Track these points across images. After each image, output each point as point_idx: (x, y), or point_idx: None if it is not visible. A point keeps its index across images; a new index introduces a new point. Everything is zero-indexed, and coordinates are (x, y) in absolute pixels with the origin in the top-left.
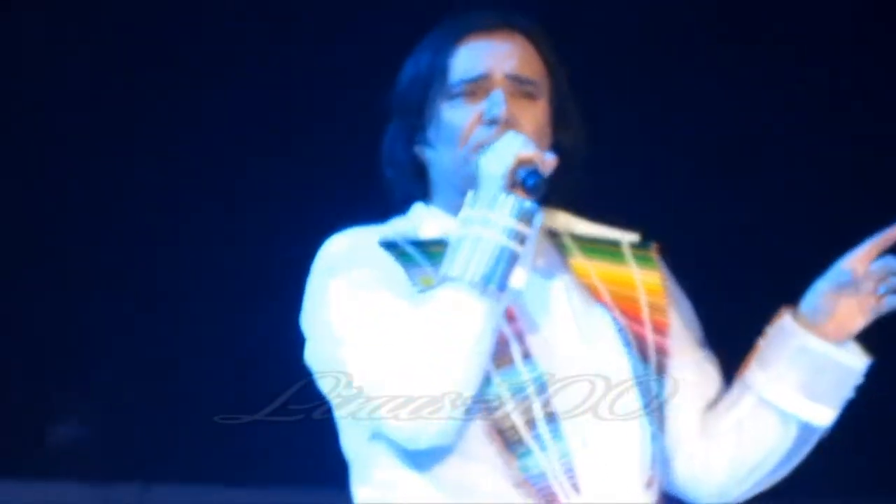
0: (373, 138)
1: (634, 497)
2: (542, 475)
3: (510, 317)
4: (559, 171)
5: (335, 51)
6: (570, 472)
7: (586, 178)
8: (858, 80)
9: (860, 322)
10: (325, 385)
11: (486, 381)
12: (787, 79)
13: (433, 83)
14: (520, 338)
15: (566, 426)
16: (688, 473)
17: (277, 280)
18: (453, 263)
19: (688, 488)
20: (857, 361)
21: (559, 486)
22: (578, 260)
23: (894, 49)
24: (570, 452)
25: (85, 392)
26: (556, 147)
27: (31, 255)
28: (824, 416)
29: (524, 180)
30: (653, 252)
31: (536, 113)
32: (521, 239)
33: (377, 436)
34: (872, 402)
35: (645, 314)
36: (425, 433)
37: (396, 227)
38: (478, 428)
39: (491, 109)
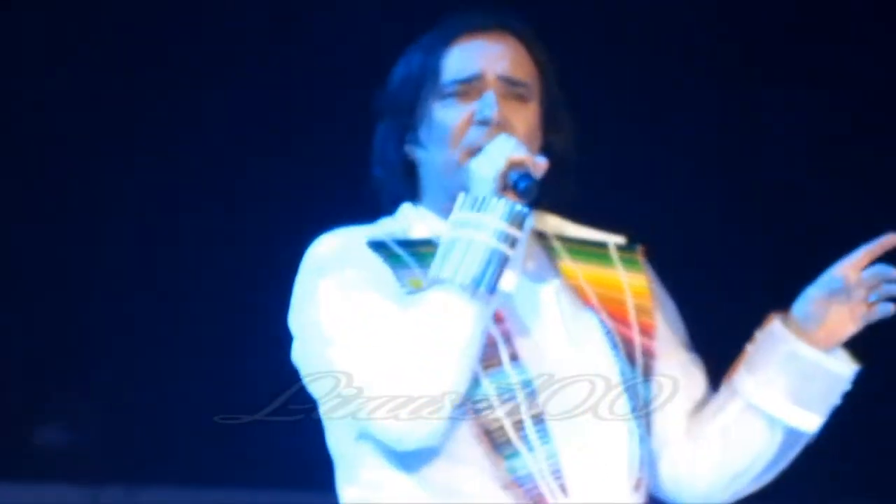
0: (369, 138)
1: (622, 499)
2: (530, 476)
3: (498, 318)
4: (549, 173)
5: (332, 50)
6: (557, 474)
7: (576, 180)
8: (855, 80)
9: (850, 329)
10: (314, 385)
11: (475, 382)
12: (783, 77)
13: (425, 83)
14: (508, 340)
15: (554, 428)
16: (673, 476)
17: (271, 281)
18: (444, 265)
19: (672, 491)
20: (845, 369)
21: (547, 487)
22: (566, 262)
23: (891, 48)
24: (557, 454)
25: (73, 394)
26: (546, 149)
27: (20, 257)
28: (811, 422)
29: (516, 183)
30: (639, 255)
31: (528, 115)
32: (512, 242)
33: (364, 436)
34: (857, 406)
35: (632, 316)
36: (413, 434)
37: (385, 228)
38: (465, 429)
39: (483, 110)
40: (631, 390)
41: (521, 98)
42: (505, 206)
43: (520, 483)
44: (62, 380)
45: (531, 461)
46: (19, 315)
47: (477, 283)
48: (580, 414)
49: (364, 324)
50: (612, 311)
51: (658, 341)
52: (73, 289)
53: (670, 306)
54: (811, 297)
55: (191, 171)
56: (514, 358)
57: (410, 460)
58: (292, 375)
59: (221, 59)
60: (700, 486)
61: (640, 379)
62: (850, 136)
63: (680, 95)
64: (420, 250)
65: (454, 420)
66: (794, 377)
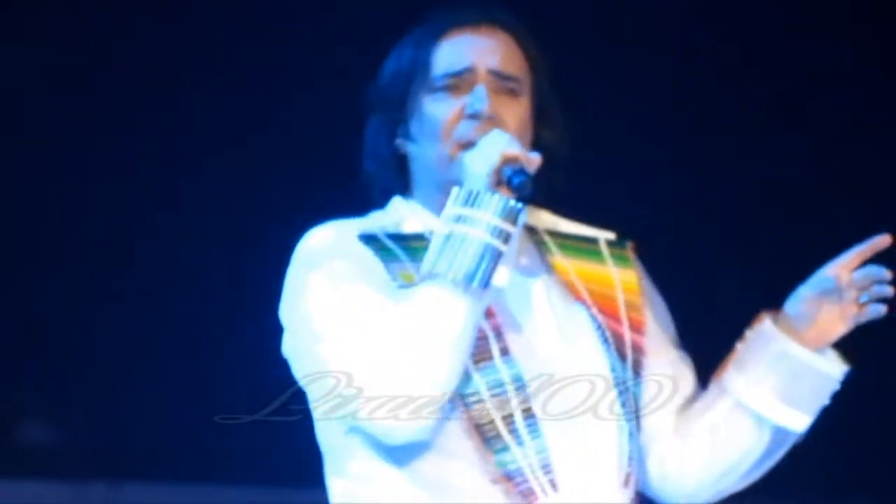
0: (360, 132)
1: (612, 495)
2: (520, 471)
3: (489, 313)
4: (541, 168)
5: (321, 42)
6: (547, 468)
7: (572, 177)
8: (855, 80)
9: (840, 330)
10: (308, 385)
11: (465, 377)
12: (783, 77)
13: (416, 77)
14: (499, 334)
15: (544, 423)
16: (661, 474)
17: (258, 275)
18: (437, 260)
19: (660, 489)
20: (835, 369)
21: (536, 482)
22: (557, 258)
23: (891, 48)
24: (547, 448)
25: (55, 390)
26: (537, 144)
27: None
28: (800, 421)
29: (510, 179)
30: (629, 251)
31: (518, 109)
32: (506, 238)
33: (354, 429)
34: (845, 405)
35: (622, 312)
36: (403, 429)
37: (376, 221)
38: (456, 424)
39: (473, 104)
40: (621, 386)
41: (512, 92)
42: (499, 201)
43: (509, 477)
44: (45, 376)
45: (521, 456)
46: None
47: (470, 278)
48: (582, 413)
49: (355, 318)
50: (603, 307)
51: (648, 338)
52: (54, 284)
53: (660, 303)
54: (802, 297)
55: (178, 165)
56: (504, 353)
57: (400, 454)
58: (278, 371)
59: (208, 52)
60: (688, 484)
61: (630, 375)
62: (850, 136)
63: (680, 95)
64: (411, 244)
65: (445, 415)
66: (784, 376)
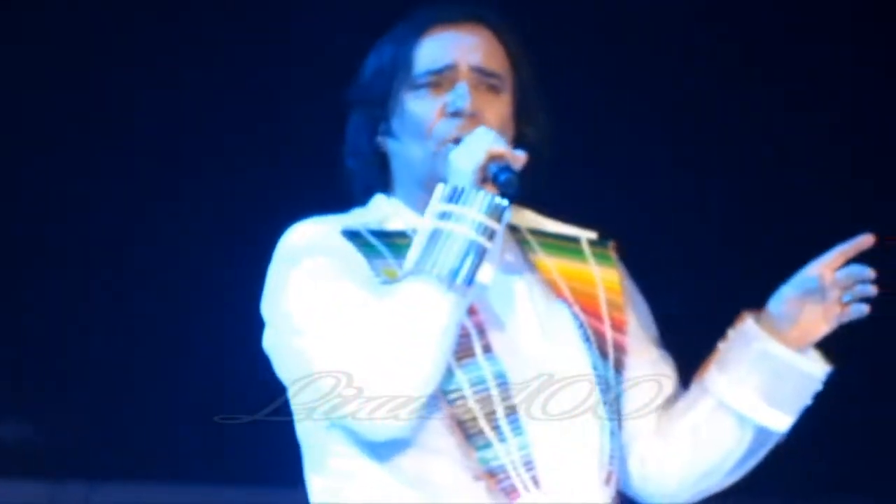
0: (342, 129)
1: (593, 493)
2: (502, 467)
3: (471, 311)
4: (524, 166)
5: (305, 40)
6: (529, 465)
7: (552, 173)
8: (855, 80)
9: (823, 329)
10: (284, 373)
11: (448, 374)
12: (783, 77)
13: (397, 74)
14: (481, 331)
15: (526, 420)
16: (642, 474)
17: (241, 272)
18: (421, 256)
19: (641, 488)
20: (817, 369)
21: (518, 479)
22: (539, 256)
23: (891, 48)
24: (529, 445)
25: (31, 389)
26: (520, 142)
27: None
28: (782, 422)
29: (496, 176)
30: (610, 250)
31: (500, 106)
32: (491, 235)
33: (334, 425)
34: (827, 405)
35: (604, 311)
36: (385, 425)
37: (358, 218)
38: (438, 421)
39: (455, 101)
40: (603, 385)
41: (494, 89)
42: (485, 198)
43: (491, 474)
44: (21, 375)
45: (503, 452)
46: None
47: (454, 275)
48: (580, 414)
49: (337, 313)
50: (585, 305)
51: (629, 337)
52: (32, 282)
53: (641, 302)
54: (785, 297)
55: (178, 165)
56: (487, 350)
57: (381, 451)
58: (263, 369)
59: (208, 52)
60: (669, 484)
61: (611, 373)
62: (849, 135)
63: (680, 95)
64: (395, 241)
65: (427, 412)
66: (766, 376)
